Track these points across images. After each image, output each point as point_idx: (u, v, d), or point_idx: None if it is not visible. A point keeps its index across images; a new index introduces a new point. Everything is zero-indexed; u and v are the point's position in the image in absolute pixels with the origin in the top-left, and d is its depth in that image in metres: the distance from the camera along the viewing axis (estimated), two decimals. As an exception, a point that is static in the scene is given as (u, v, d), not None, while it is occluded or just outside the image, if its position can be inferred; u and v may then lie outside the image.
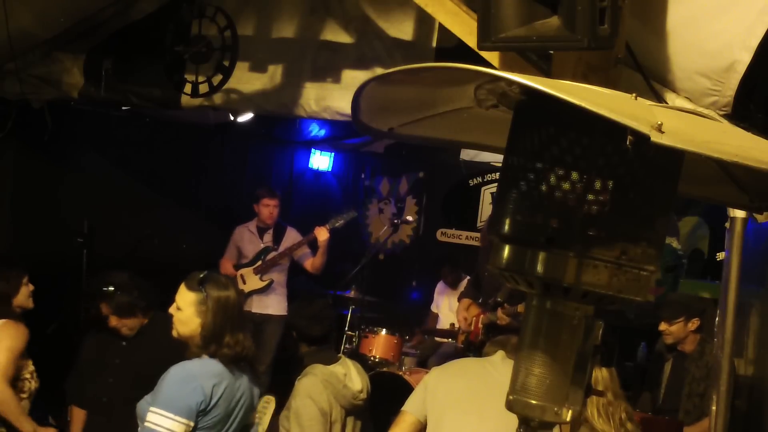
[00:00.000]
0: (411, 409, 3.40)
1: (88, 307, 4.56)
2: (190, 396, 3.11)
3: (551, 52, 3.13)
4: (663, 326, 5.25)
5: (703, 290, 6.36)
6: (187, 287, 3.35)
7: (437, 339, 7.09)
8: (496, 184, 7.73)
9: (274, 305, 6.82)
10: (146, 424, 3.10)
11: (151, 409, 3.12)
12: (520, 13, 2.69)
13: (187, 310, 3.31)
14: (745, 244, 3.19)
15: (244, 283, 6.79)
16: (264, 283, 6.80)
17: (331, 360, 4.02)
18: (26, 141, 6.19)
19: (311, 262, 6.85)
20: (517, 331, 5.91)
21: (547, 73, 3.24)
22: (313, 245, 6.82)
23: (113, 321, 4.22)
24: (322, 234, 6.69)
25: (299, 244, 6.83)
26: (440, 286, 7.43)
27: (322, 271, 6.88)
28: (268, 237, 6.93)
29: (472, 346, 6.17)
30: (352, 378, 4.01)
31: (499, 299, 5.97)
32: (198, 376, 3.17)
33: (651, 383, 5.61)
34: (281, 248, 6.86)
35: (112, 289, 4.21)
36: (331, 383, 3.90)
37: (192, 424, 3.11)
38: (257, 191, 6.96)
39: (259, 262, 6.83)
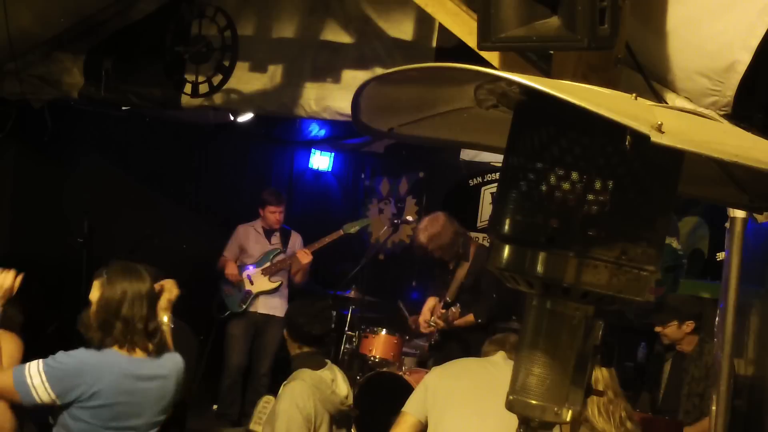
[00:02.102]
0: (411, 409, 3.39)
1: None
2: (75, 385, 3.09)
3: (551, 52, 3.13)
4: (658, 329, 5.31)
5: (703, 290, 6.35)
6: (94, 278, 3.33)
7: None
8: (496, 184, 7.72)
9: (278, 306, 6.82)
10: (25, 367, 3.10)
11: (41, 361, 3.11)
12: (520, 13, 2.69)
13: (93, 299, 3.29)
14: (745, 244, 3.19)
15: (252, 283, 6.80)
16: (274, 285, 6.83)
17: (319, 365, 3.95)
18: (26, 141, 6.19)
19: (296, 277, 6.91)
20: (458, 337, 5.90)
21: (547, 73, 3.24)
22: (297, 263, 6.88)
23: None
24: (304, 257, 6.75)
25: (284, 261, 6.85)
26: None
27: (304, 284, 6.94)
28: (275, 239, 6.95)
29: (431, 347, 6.20)
30: (339, 384, 3.96)
31: (447, 299, 5.97)
32: (90, 367, 3.13)
33: (650, 383, 5.62)
34: (288, 251, 6.89)
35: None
36: (319, 389, 3.82)
37: (59, 402, 3.10)
38: (263, 195, 6.97)
39: (268, 264, 6.85)
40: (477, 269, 5.88)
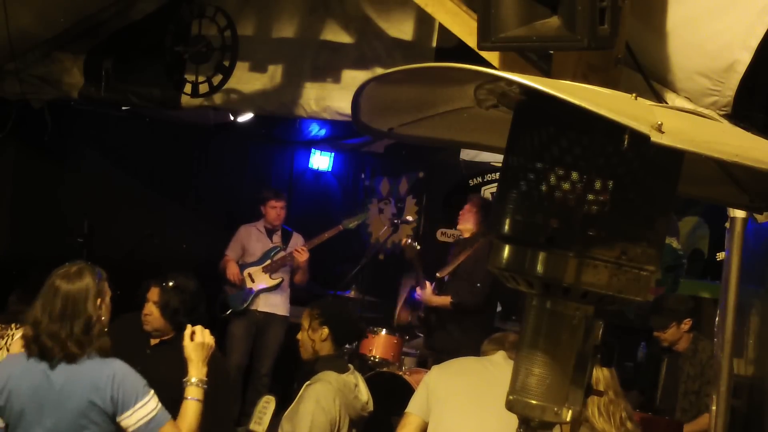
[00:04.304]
0: (415, 410, 3.38)
1: (141, 289, 4.30)
2: None
3: (551, 52, 3.13)
4: (657, 333, 5.32)
5: (703, 290, 6.36)
6: None
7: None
8: (496, 184, 7.72)
9: (280, 305, 6.83)
10: None
11: None
12: (520, 13, 2.69)
13: None
14: (745, 244, 3.19)
15: (253, 281, 6.81)
16: (275, 282, 6.83)
17: (343, 369, 3.89)
18: (26, 141, 6.19)
19: (296, 277, 6.93)
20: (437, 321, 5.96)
21: (547, 73, 3.24)
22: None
23: (148, 309, 4.16)
24: (301, 255, 6.76)
25: (285, 259, 6.86)
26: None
27: (304, 284, 6.96)
28: (277, 238, 6.97)
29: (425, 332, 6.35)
30: (361, 389, 3.92)
31: (438, 275, 6.07)
32: None
33: (646, 384, 5.64)
34: (288, 249, 6.90)
35: (172, 284, 4.15)
36: (343, 393, 3.77)
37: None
38: (263, 193, 7.00)
39: (269, 261, 6.86)
40: (476, 258, 5.93)
